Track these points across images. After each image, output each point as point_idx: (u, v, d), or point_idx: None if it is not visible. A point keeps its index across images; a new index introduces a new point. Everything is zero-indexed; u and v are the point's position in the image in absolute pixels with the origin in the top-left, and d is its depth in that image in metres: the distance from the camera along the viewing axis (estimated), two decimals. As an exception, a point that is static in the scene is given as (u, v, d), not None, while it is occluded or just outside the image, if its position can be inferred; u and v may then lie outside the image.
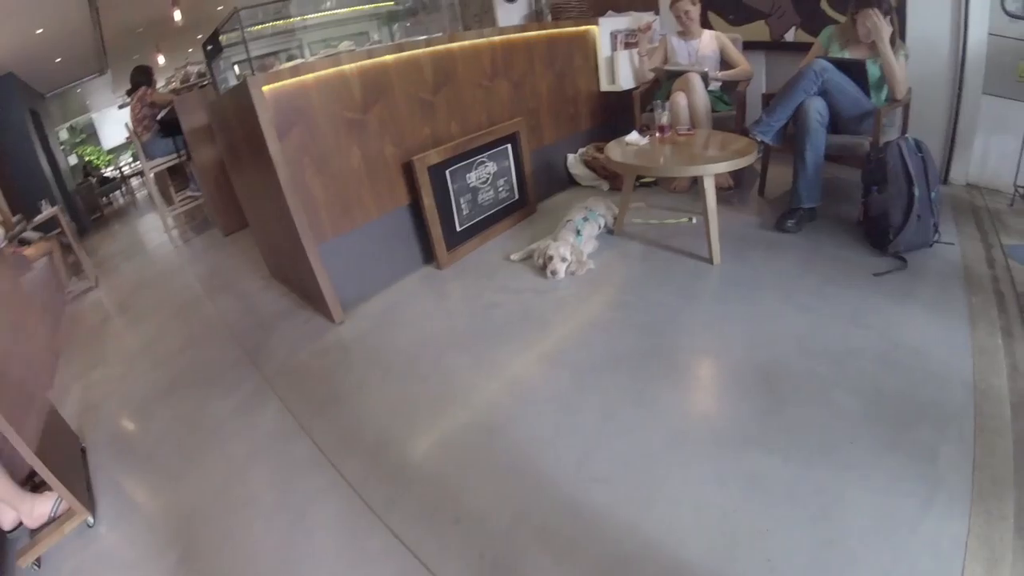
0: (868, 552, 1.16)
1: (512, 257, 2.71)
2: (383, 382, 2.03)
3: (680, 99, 2.90)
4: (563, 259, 2.45)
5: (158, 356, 2.67)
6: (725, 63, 3.21)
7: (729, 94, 3.21)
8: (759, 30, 3.40)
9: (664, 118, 2.59)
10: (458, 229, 2.81)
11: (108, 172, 9.25)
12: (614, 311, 2.19)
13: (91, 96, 8.82)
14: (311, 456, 1.75)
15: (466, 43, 2.80)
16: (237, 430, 1.97)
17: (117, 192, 8.83)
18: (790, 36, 3.30)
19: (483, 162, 2.85)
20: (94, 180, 8.32)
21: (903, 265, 2.16)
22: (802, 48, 3.10)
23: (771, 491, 1.33)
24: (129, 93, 4.64)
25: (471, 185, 2.82)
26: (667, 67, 3.11)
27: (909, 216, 2.21)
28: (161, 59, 7.33)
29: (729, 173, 3.08)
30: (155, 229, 5.68)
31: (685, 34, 3.23)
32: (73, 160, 9.02)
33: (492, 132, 2.88)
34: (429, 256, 2.81)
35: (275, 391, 2.14)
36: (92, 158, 9.36)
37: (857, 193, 2.53)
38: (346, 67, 2.36)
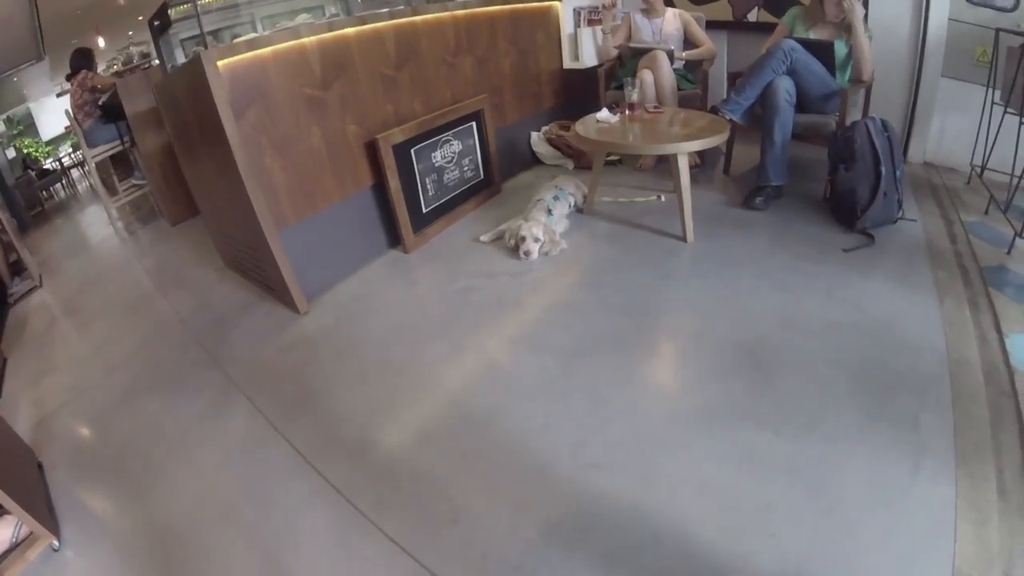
0: (866, 519, 1.17)
1: (482, 238, 2.61)
2: (358, 377, 1.90)
3: (647, 77, 2.83)
4: (536, 239, 2.37)
5: (111, 360, 2.43)
6: (688, 42, 3.17)
7: (693, 73, 3.16)
8: (722, 9, 3.37)
9: (634, 95, 2.52)
10: (424, 211, 2.68)
11: (48, 164, 8.60)
12: (591, 292, 2.12)
13: (28, 85, 8.11)
14: (289, 461, 1.61)
15: (430, 16, 2.64)
16: (206, 437, 1.80)
17: (58, 185, 8.23)
18: (752, 16, 3.29)
19: (448, 140, 2.72)
20: (33, 173, 7.71)
21: (870, 241, 2.19)
22: (765, 28, 3.08)
23: (767, 466, 1.32)
24: (69, 78, 4.25)
25: (436, 164, 2.69)
26: (632, 44, 3.04)
27: (876, 194, 2.23)
28: (101, 42, 6.79)
29: (696, 151, 3.05)
30: (99, 222, 5.27)
31: (649, 12, 3.16)
32: (12, 154, 8.34)
33: (456, 110, 2.74)
34: (395, 240, 2.68)
35: (243, 392, 1.97)
36: (31, 150, 8.65)
37: (822, 171, 2.56)
38: (306, 40, 2.18)
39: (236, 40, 2.04)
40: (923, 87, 2.98)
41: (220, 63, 1.97)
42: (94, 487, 1.76)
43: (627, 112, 2.54)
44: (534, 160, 3.57)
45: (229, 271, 2.99)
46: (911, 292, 1.86)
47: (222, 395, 1.99)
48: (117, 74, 5.08)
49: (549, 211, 2.52)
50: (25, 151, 8.45)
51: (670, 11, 3.16)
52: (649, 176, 3.13)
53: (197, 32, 3.46)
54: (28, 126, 8.95)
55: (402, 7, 2.53)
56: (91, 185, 5.98)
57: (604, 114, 2.54)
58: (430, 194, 2.69)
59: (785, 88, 2.46)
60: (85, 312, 3.14)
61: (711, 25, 3.27)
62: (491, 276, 2.33)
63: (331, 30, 2.25)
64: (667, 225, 2.49)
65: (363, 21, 2.37)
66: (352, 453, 1.59)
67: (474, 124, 2.86)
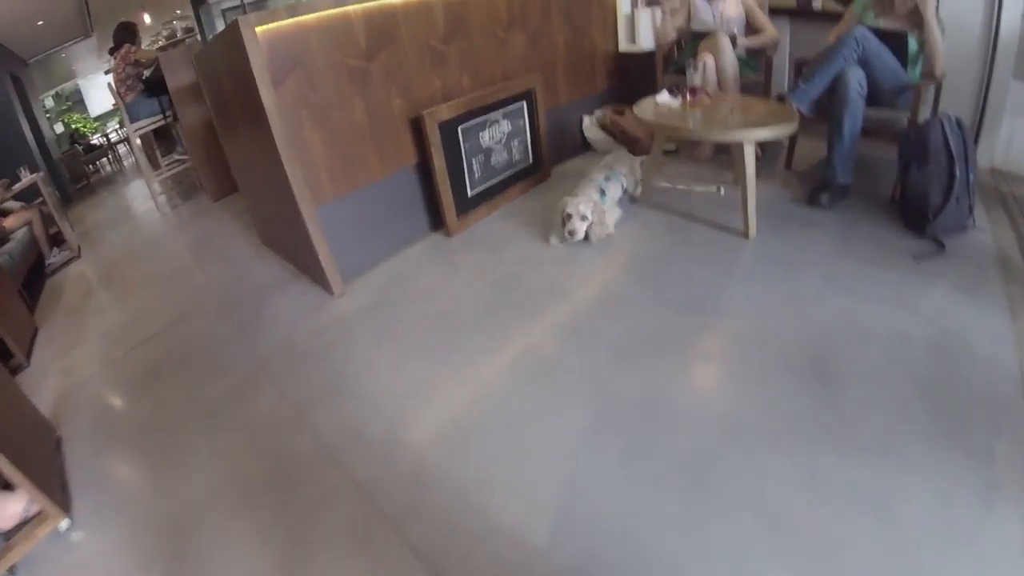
0: (939, 563, 1.00)
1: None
2: (391, 365, 1.73)
3: (708, 61, 2.58)
4: (583, 217, 2.13)
5: (142, 333, 2.33)
6: (750, 27, 2.88)
7: (754, 60, 2.88)
8: (785, -5, 3.08)
9: (696, 78, 2.28)
10: (470, 193, 2.47)
11: (95, 140, 8.59)
12: (645, 286, 1.90)
13: (77, 61, 8.07)
14: (313, 452, 1.46)
15: (481, -13, 2.42)
16: (230, 419, 1.67)
17: (104, 159, 8.22)
18: (817, 4, 2.98)
19: (497, 121, 2.50)
20: (80, 148, 7.71)
21: (941, 249, 1.92)
22: (830, 18, 2.79)
23: (833, 494, 1.14)
24: (112, 52, 4.13)
25: (484, 145, 2.48)
26: (693, 27, 2.77)
27: (949, 197, 1.96)
28: (147, 18, 6.70)
29: (758, 142, 2.80)
30: (142, 196, 5.23)
31: None
32: (60, 128, 8.34)
33: (507, 87, 2.51)
34: (437, 223, 2.48)
35: (270, 374, 1.82)
36: (79, 126, 8.63)
37: (888, 171, 2.31)
38: (350, 8, 1.99)
39: (277, 7, 1.85)
40: (993, 89, 2.65)
41: (259, 29, 1.80)
42: (113, 464, 1.65)
43: (688, 96, 2.30)
44: (584, 146, 3.31)
45: (266, 248, 2.85)
46: (983, 307, 1.63)
47: (250, 376, 1.86)
48: (160, 48, 4.94)
49: (602, 191, 2.28)
50: (73, 126, 8.46)
51: None
52: (706, 166, 2.86)
53: (239, 3, 3.26)
54: (77, 102, 8.96)
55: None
56: (135, 160, 5.90)
57: (664, 97, 2.30)
58: (476, 176, 2.48)
59: (857, 79, 2.19)
60: (120, 284, 3.06)
61: (773, 12, 2.96)
62: (537, 264, 2.12)
63: (377, -2, 2.05)
64: (726, 219, 2.24)
65: (411, -11, 2.15)
66: (379, 449, 1.43)
67: (524, 104, 2.63)
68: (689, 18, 2.91)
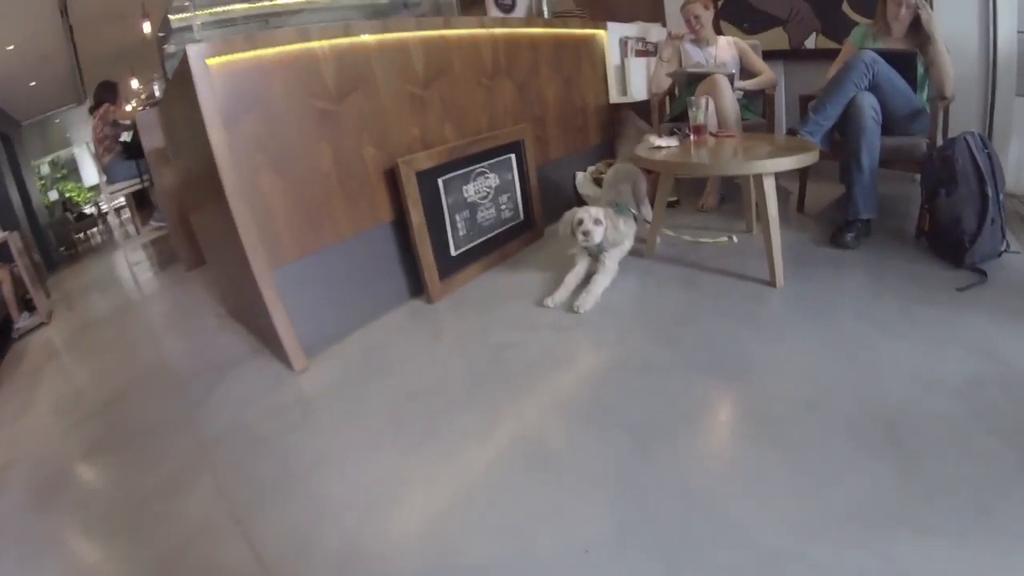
0: None
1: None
2: (355, 455, 1.32)
3: (709, 101, 2.34)
4: (596, 221, 1.83)
5: (90, 407, 1.95)
6: (746, 71, 2.69)
7: (753, 103, 2.67)
8: (777, 38, 2.90)
9: (700, 116, 2.01)
10: (453, 253, 2.12)
11: (88, 209, 8.40)
12: (665, 349, 1.53)
13: (71, 128, 7.96)
14: (247, 570, 1.05)
15: (463, 32, 2.18)
16: (156, 519, 1.27)
17: (94, 229, 7.97)
18: (810, 43, 2.82)
19: (483, 172, 2.20)
20: (71, 216, 7.48)
21: (983, 278, 1.65)
22: (825, 55, 2.61)
23: None
24: (92, 111, 3.94)
25: (469, 200, 2.16)
26: (689, 69, 2.55)
27: (984, 220, 1.72)
28: (135, 83, 6.57)
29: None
30: (123, 265, 4.96)
31: (699, 41, 2.70)
32: (54, 196, 8.16)
33: (494, 137, 2.24)
34: (417, 287, 2.12)
35: (211, 463, 1.42)
36: (73, 194, 8.47)
37: (907, 205, 2.07)
38: (316, 44, 1.72)
39: (234, 37, 1.58)
40: (998, 109, 2.50)
41: (211, 61, 1.51)
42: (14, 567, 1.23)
43: (693, 136, 2.03)
44: (579, 203, 2.97)
45: (232, 320, 2.49)
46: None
47: (188, 464, 1.45)
48: (137, 107, 4.77)
49: (617, 204, 2.03)
50: (67, 195, 8.28)
51: (723, 39, 2.69)
52: (713, 217, 2.57)
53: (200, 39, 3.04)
54: (72, 171, 8.80)
55: (431, 17, 2.07)
56: (106, 226, 5.61)
57: (662, 140, 2.03)
58: (460, 234, 2.15)
59: (870, 104, 1.95)
60: (82, 354, 2.72)
61: (767, 55, 2.79)
62: (533, 329, 1.76)
63: (347, 35, 1.78)
64: (745, 268, 1.91)
65: (386, 28, 1.90)
66: (331, 568, 1.01)
67: (513, 156, 2.34)
68: (681, 64, 2.71)
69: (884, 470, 1.02)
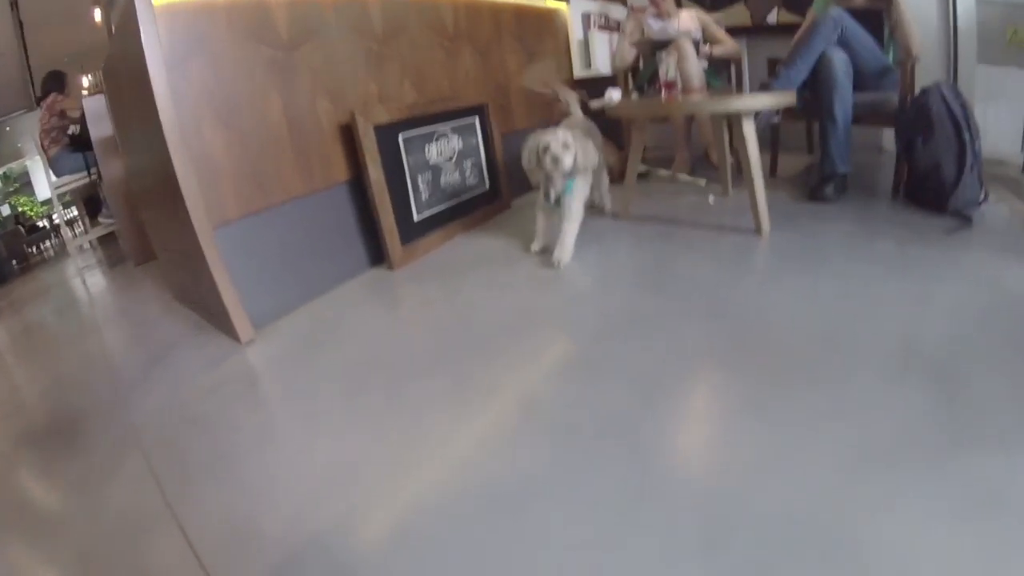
0: None
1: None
2: (301, 429, 1.11)
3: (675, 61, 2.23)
4: (565, 144, 1.59)
5: (18, 402, 1.68)
6: (706, 42, 2.62)
7: (718, 74, 2.60)
8: (739, 14, 2.84)
9: (671, 71, 1.89)
10: (416, 218, 1.94)
11: (41, 223, 7.90)
12: (658, 298, 1.37)
13: (23, 139, 7.49)
14: (177, 553, 0.83)
15: (420, -11, 2.03)
16: (83, 506, 1.03)
17: (47, 242, 7.48)
18: (772, 19, 2.78)
19: (445, 134, 2.03)
20: (23, 229, 7.01)
21: (968, 223, 1.58)
22: (788, 30, 2.56)
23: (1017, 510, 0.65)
24: (39, 102, 3.65)
25: (431, 162, 1.98)
26: (653, 37, 2.46)
27: (963, 165, 1.66)
28: (86, 80, 6.21)
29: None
30: (74, 269, 4.62)
31: (660, 15, 2.63)
32: (6, 211, 7.65)
33: (456, 98, 2.09)
34: (378, 257, 1.93)
35: (143, 446, 1.19)
36: (25, 209, 7.96)
37: (876, 168, 2.01)
38: (265, -12, 1.55)
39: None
40: (960, 75, 2.49)
41: (157, 1, 1.33)
42: None
43: (664, 93, 1.91)
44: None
45: (178, 304, 2.24)
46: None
47: (116, 451, 1.21)
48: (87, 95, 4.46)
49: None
50: (20, 209, 7.78)
51: (684, 12, 2.62)
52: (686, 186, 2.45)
53: None
54: (25, 184, 8.27)
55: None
56: (59, 239, 5.23)
57: (615, 93, 1.90)
58: (423, 198, 1.96)
59: (841, 59, 1.90)
60: (18, 353, 2.40)
61: (729, 31, 2.74)
62: (506, 287, 1.58)
63: (297, -22, 1.62)
64: (728, 221, 1.80)
65: (339, -25, 1.74)
66: (271, 556, 0.79)
67: (477, 120, 2.19)
68: (643, 35, 2.63)
69: (925, 395, 0.88)
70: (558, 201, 1.70)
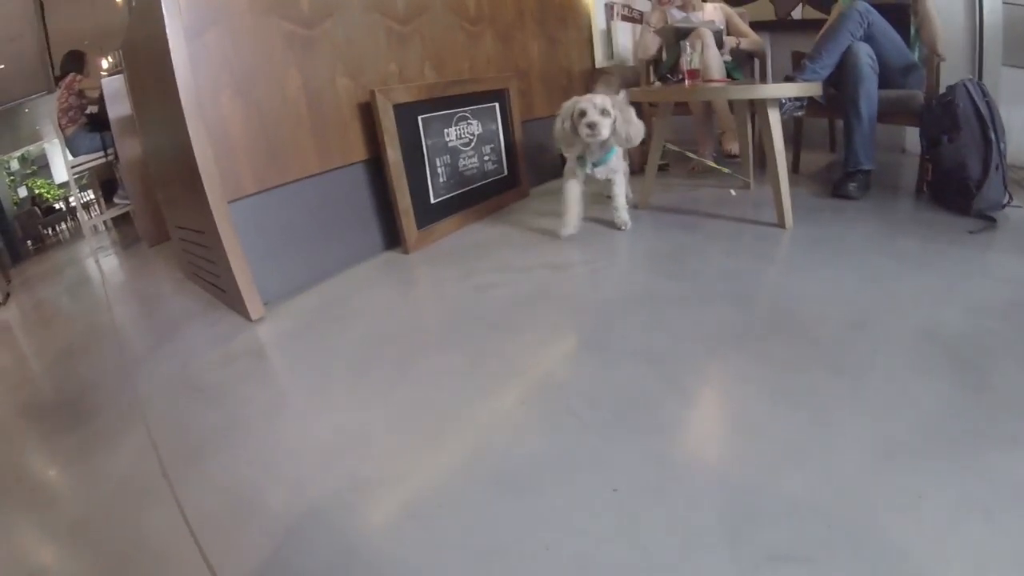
0: None
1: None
2: (308, 403, 1.08)
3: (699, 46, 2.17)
4: (603, 111, 1.47)
5: (26, 373, 1.66)
6: (731, 36, 2.56)
7: (741, 68, 2.54)
8: (763, 8, 2.78)
9: (695, 60, 1.84)
10: (432, 200, 1.89)
11: (57, 205, 7.94)
12: (679, 282, 1.33)
13: (41, 121, 7.52)
14: (172, 529, 0.79)
15: (444, -30, 1.98)
16: (81, 475, 1.01)
17: (63, 224, 7.52)
18: (797, 14, 2.72)
19: (465, 117, 1.98)
20: (39, 210, 7.06)
21: (993, 224, 1.52)
22: (812, 25, 2.52)
23: None
24: (57, 82, 3.62)
25: (450, 144, 1.94)
26: (676, 24, 2.40)
27: (989, 165, 1.60)
28: (105, 62, 6.19)
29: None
30: (89, 250, 4.64)
31: (685, 7, 2.57)
32: (24, 192, 7.68)
33: (477, 82, 2.04)
34: (393, 240, 1.88)
35: (147, 417, 1.16)
36: (43, 191, 8.00)
37: (899, 168, 1.99)
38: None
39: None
40: (985, 78, 2.40)
41: None
42: None
43: (687, 81, 1.86)
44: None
45: (189, 284, 2.22)
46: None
47: (122, 419, 1.18)
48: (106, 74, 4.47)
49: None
50: (37, 191, 7.82)
51: (709, 5, 2.56)
52: (706, 178, 2.39)
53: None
54: (43, 167, 8.30)
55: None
56: (76, 221, 5.26)
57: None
58: (440, 181, 1.92)
59: (867, 53, 1.84)
60: (29, 328, 2.39)
61: (753, 26, 2.68)
62: (523, 270, 1.54)
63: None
64: (750, 214, 1.75)
65: (362, -47, 1.69)
66: (271, 532, 0.75)
67: (497, 106, 2.14)
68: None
69: (952, 386, 0.83)
70: (595, 165, 1.61)
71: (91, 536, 0.84)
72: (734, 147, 2.48)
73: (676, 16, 2.56)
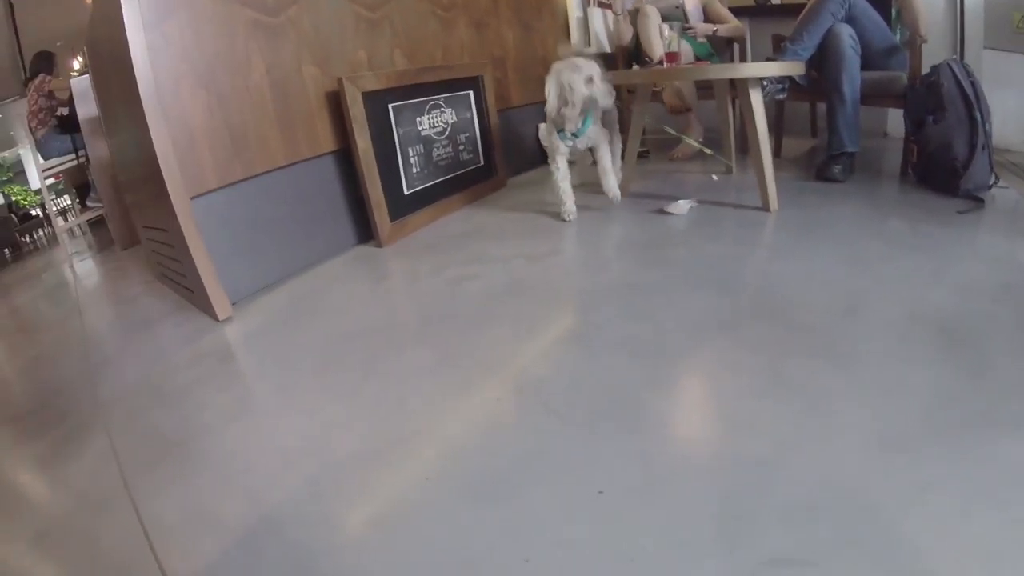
0: None
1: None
2: (274, 404, 1.01)
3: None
4: (589, 79, 1.47)
5: None
6: (712, 21, 2.51)
7: (720, 54, 2.48)
8: (741, -8, 2.75)
9: (674, 44, 1.79)
10: (406, 192, 1.81)
11: (34, 212, 7.72)
12: (660, 270, 1.27)
13: (15, 126, 7.28)
14: (131, 540, 0.73)
15: (414, -47, 1.89)
16: (35, 491, 0.95)
17: (39, 230, 7.31)
18: (776, -2, 2.68)
19: (439, 105, 1.91)
20: (15, 217, 6.84)
21: (981, 204, 1.49)
22: (791, 11, 2.46)
23: None
24: (27, 83, 3.49)
25: (423, 133, 1.86)
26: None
27: (975, 145, 1.56)
28: (76, 63, 5.98)
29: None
30: (63, 256, 4.50)
31: None
32: (-1, 200, 7.49)
33: (450, 69, 1.96)
34: (366, 234, 1.80)
35: (108, 424, 1.09)
36: (19, 198, 7.78)
37: (882, 153, 1.96)
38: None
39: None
40: (967, 61, 2.37)
41: None
42: None
43: (666, 64, 1.80)
44: (542, 157, 2.68)
45: (157, 284, 2.13)
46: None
47: (81, 428, 1.11)
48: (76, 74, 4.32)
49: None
50: (13, 198, 7.59)
51: None
52: (688, 164, 2.35)
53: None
54: (18, 173, 8.07)
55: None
56: (43, 206, 5.11)
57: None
58: (414, 171, 1.84)
59: (848, 34, 1.80)
60: (2, 335, 2.30)
61: (732, 12, 2.62)
62: (499, 261, 1.47)
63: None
64: (733, 198, 1.70)
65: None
66: (222, 538, 0.69)
67: (472, 94, 2.06)
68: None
69: (950, 371, 0.79)
70: (575, 136, 1.61)
71: (51, 549, 0.77)
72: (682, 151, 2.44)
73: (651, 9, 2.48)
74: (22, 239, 6.72)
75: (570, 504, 0.65)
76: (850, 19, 1.85)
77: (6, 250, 6.21)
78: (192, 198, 1.37)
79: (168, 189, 1.31)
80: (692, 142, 2.16)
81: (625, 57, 2.52)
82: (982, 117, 1.59)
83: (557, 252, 1.48)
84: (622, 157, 1.94)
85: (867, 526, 0.55)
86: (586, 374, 0.91)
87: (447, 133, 1.97)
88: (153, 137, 1.28)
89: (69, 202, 6.24)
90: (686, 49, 2.16)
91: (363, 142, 1.60)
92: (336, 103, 1.63)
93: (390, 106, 1.71)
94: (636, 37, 2.54)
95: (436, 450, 0.79)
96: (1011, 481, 0.58)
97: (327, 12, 1.63)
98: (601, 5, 2.70)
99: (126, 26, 1.24)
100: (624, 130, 1.95)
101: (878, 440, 0.67)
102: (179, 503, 0.80)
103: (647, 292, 1.16)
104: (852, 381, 0.79)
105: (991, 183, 1.62)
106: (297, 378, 1.08)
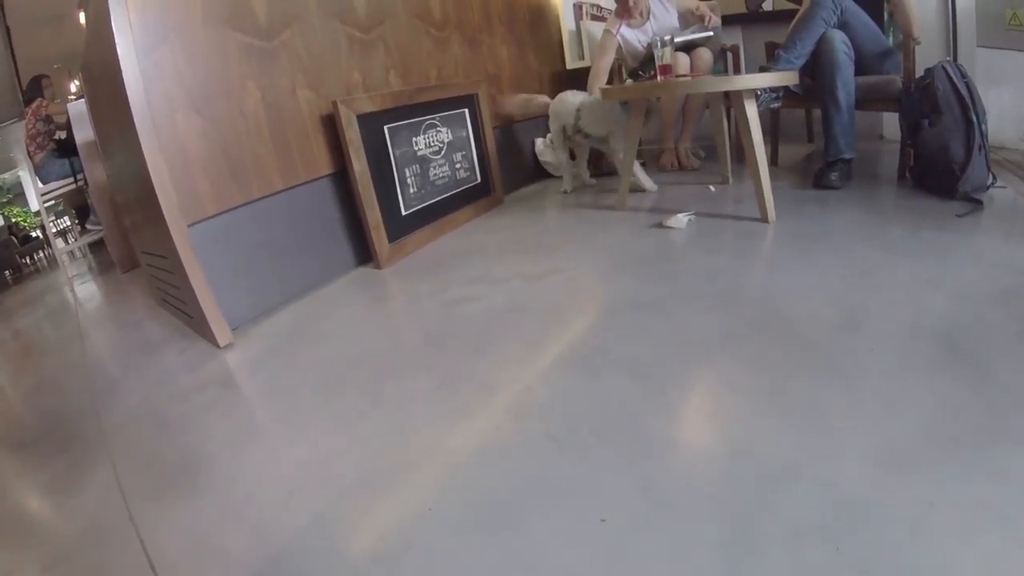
0: None
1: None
2: (272, 434, 1.01)
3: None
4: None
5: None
6: (695, 16, 2.33)
7: (715, 62, 2.48)
8: (734, 1, 2.77)
9: (667, 56, 1.79)
10: (404, 212, 1.82)
11: (34, 233, 7.78)
12: (661, 286, 1.27)
13: (14, 149, 7.34)
14: (137, 574, 0.73)
15: (406, -27, 1.92)
16: (39, 523, 0.95)
17: (40, 252, 7.35)
18: (768, 5, 2.70)
19: (434, 125, 1.92)
20: (15, 239, 6.89)
21: (980, 206, 1.49)
22: (783, 17, 2.48)
23: None
24: (25, 107, 3.54)
25: (419, 153, 1.87)
26: (681, 39, 2.24)
27: (971, 147, 1.56)
28: (73, 86, 6.04)
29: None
30: (64, 279, 4.52)
31: (632, 23, 2.35)
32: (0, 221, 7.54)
33: (445, 87, 1.97)
34: (365, 255, 1.81)
35: (112, 453, 1.08)
36: (19, 219, 7.85)
37: (878, 157, 1.96)
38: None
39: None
40: (961, 61, 2.37)
41: None
42: None
43: (660, 77, 1.81)
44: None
45: (158, 309, 2.13)
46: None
47: (86, 456, 1.11)
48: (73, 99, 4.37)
49: None
50: (13, 220, 7.66)
51: (655, 5, 2.40)
52: (683, 175, 2.35)
53: None
54: (18, 195, 8.14)
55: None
56: (43, 227, 5.14)
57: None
58: (411, 192, 1.85)
59: (842, 40, 1.81)
60: (4, 359, 2.30)
61: (723, 20, 2.63)
62: (498, 281, 1.47)
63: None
64: (731, 210, 1.70)
65: (318, -40, 1.63)
66: (228, 571, 0.69)
67: (467, 112, 2.07)
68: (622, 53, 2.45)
69: (953, 384, 0.78)
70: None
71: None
72: (669, 159, 2.44)
73: (628, 38, 2.42)
74: (23, 261, 6.77)
75: (573, 532, 0.64)
76: (842, 24, 1.87)
77: (7, 272, 6.25)
78: (190, 225, 1.37)
79: (165, 217, 1.32)
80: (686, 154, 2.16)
81: (620, 71, 2.53)
82: (978, 118, 1.59)
83: (557, 271, 1.48)
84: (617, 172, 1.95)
85: (874, 547, 0.55)
86: (588, 397, 0.90)
87: (443, 152, 1.98)
88: (148, 164, 1.29)
89: (69, 223, 6.28)
90: (684, 61, 2.16)
91: (359, 164, 1.61)
92: (332, 126, 1.64)
93: (386, 127, 1.72)
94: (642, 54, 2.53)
95: (438, 479, 0.79)
96: (1017, 497, 0.57)
97: (320, 35, 1.65)
98: (595, 18, 2.70)
99: (119, 52, 1.25)
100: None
101: (881, 458, 0.66)
102: (184, 535, 0.80)
103: (648, 310, 1.16)
104: (854, 397, 0.79)
105: (989, 184, 1.62)
106: (298, 408, 1.08)
